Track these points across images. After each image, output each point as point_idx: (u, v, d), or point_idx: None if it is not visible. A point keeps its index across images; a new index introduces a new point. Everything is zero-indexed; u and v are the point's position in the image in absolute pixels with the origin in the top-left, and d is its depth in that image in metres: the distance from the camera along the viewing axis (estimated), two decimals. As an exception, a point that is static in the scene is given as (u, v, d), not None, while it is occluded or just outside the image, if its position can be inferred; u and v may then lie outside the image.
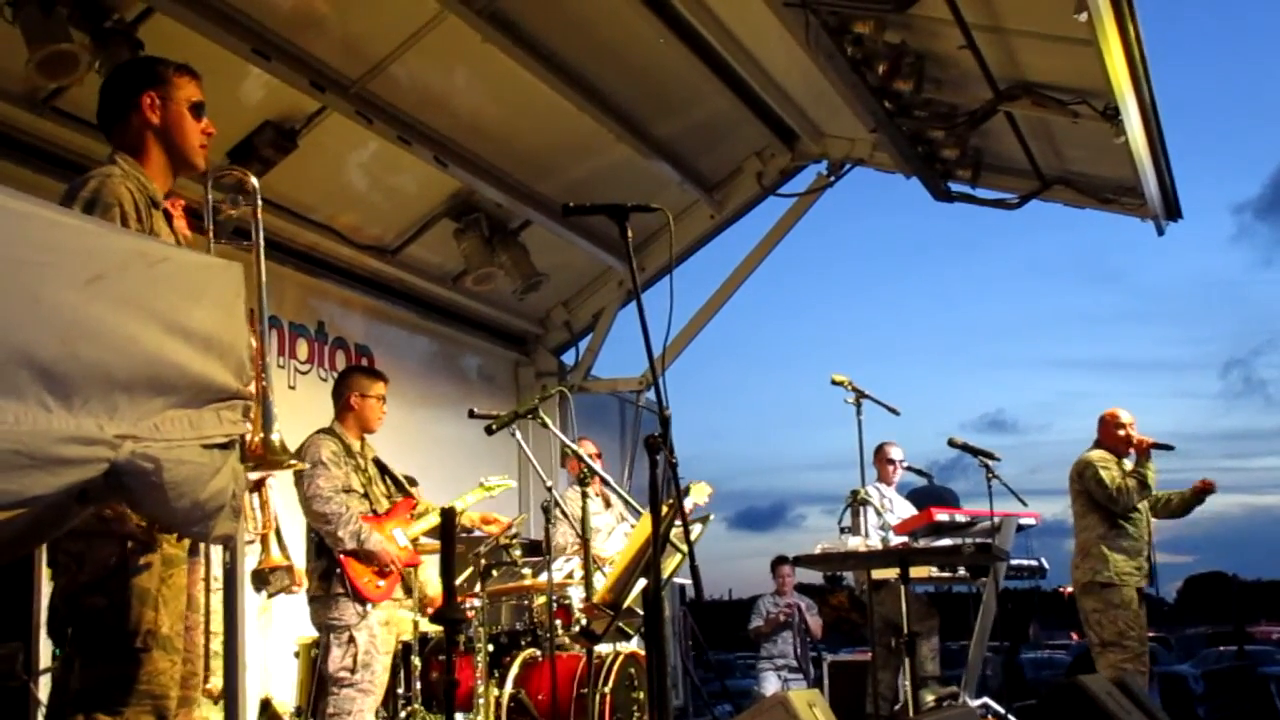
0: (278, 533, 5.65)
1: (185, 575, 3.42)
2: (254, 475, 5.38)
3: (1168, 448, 8.43)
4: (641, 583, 4.22)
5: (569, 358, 12.16)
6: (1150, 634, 8.57)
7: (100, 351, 2.40)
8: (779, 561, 12.14)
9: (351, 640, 6.07)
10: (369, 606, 6.18)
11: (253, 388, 2.95)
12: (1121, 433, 8.38)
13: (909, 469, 9.58)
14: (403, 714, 6.65)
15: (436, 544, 6.14)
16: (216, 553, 3.52)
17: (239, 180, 3.74)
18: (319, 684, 6.18)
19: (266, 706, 6.81)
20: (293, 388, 8.71)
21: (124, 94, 3.71)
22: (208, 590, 3.60)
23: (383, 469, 6.66)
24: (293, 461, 3.65)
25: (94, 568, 3.24)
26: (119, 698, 3.21)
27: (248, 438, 3.21)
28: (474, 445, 8.30)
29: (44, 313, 2.29)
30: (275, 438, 3.35)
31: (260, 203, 3.66)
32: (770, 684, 11.47)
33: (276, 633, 6.70)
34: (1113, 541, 8.14)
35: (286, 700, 6.81)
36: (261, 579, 5.80)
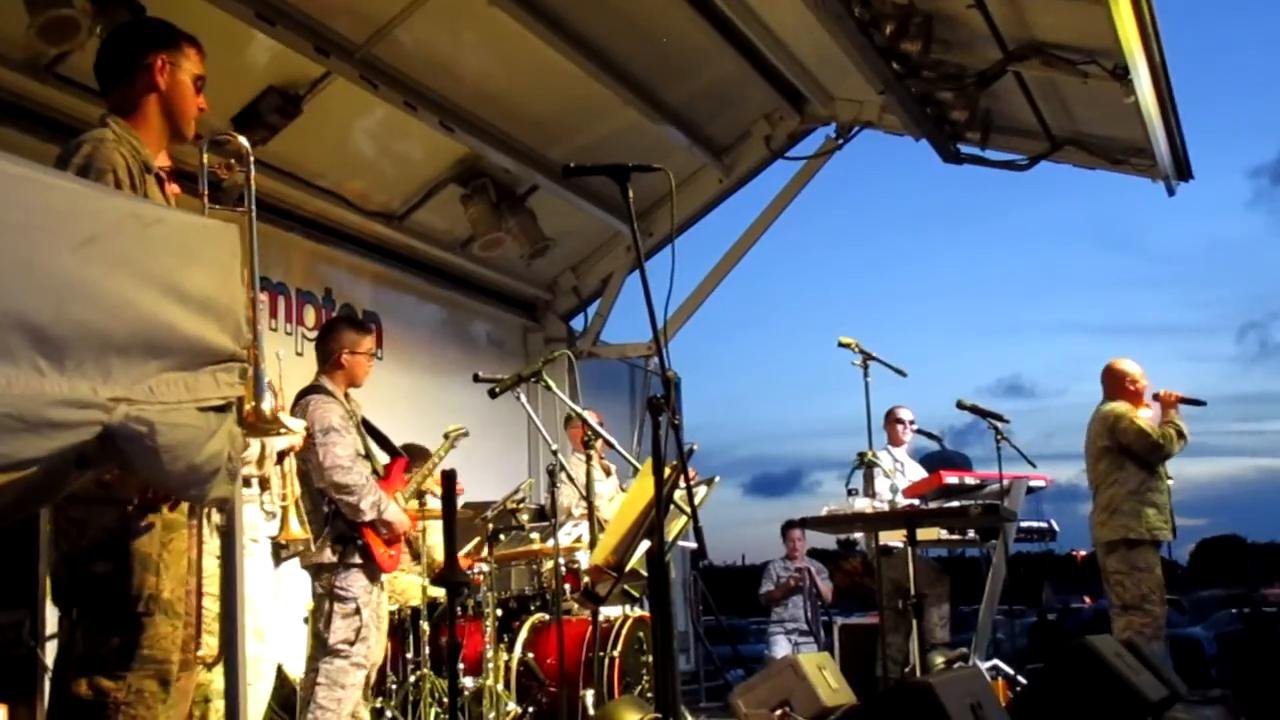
0: (297, 504, 5.63)
1: (185, 539, 3.42)
2: (279, 443, 5.43)
3: (1198, 403, 8.30)
4: (645, 544, 4.21)
5: (578, 324, 12.16)
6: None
7: (94, 314, 2.39)
8: (789, 526, 12.13)
9: (357, 613, 6.01)
10: (382, 578, 6.16)
11: (249, 312, 2.93)
12: (1133, 387, 8.25)
13: (919, 432, 9.57)
14: (411, 678, 6.67)
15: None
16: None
17: (235, 146, 3.71)
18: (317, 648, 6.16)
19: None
20: (300, 354, 8.69)
21: (133, 51, 3.67)
22: (199, 552, 3.59)
23: (368, 427, 6.54)
24: (282, 430, 3.65)
25: (96, 534, 3.24)
26: (121, 662, 3.21)
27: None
28: (483, 412, 8.28)
29: (37, 276, 2.27)
30: (266, 406, 3.34)
31: (254, 169, 3.62)
32: (781, 648, 11.47)
33: (285, 600, 6.69)
34: (1144, 496, 7.95)
35: (295, 668, 6.81)
36: (279, 549, 5.78)
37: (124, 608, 3.22)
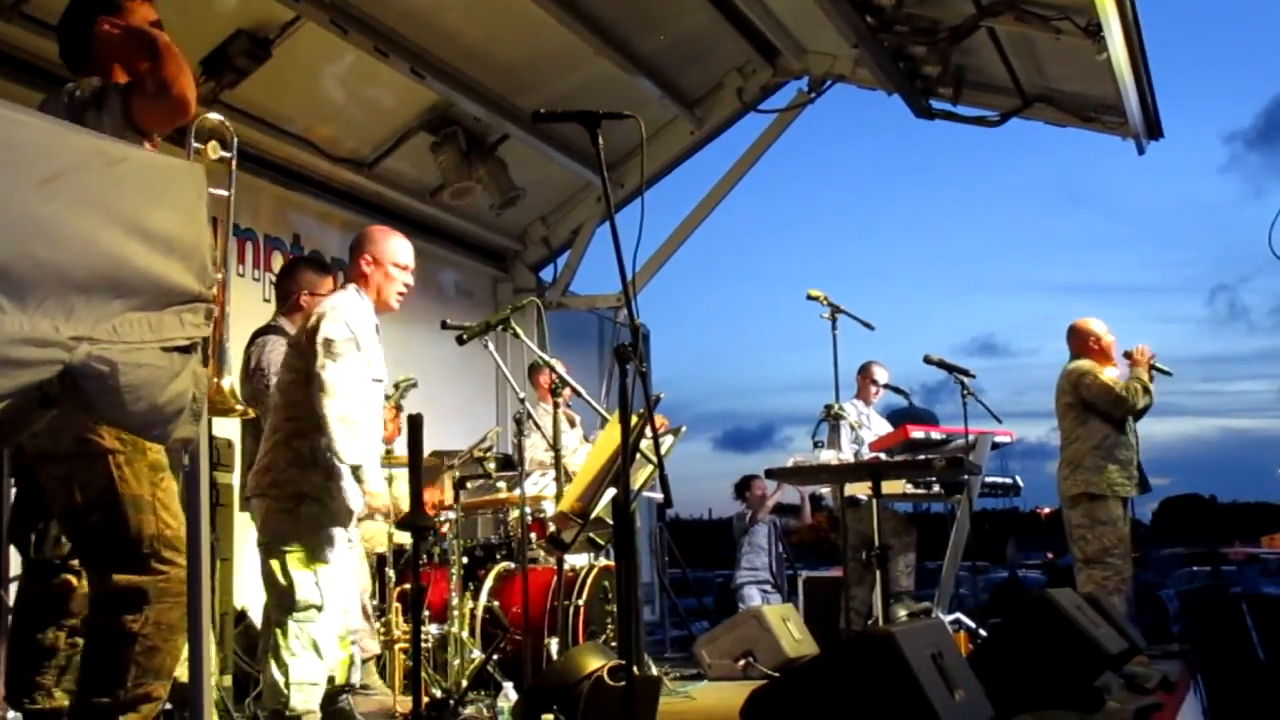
0: None
1: (175, 480, 3.45)
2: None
3: (1166, 372, 8.35)
4: (611, 492, 4.22)
5: (548, 274, 12.11)
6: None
7: (56, 252, 2.37)
8: (750, 479, 12.03)
9: None
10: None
11: (217, 291, 2.93)
12: (1097, 345, 8.27)
13: (887, 387, 9.59)
14: (378, 625, 6.68)
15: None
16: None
17: (220, 131, 3.76)
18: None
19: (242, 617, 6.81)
20: (268, 300, 8.63)
21: (78, 26, 3.68)
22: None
23: None
24: (239, 409, 3.68)
25: (85, 488, 3.30)
26: (140, 599, 3.31)
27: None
28: (451, 362, 8.28)
29: (-3, 211, 2.25)
30: (228, 384, 3.40)
31: (223, 116, 3.66)
32: (753, 599, 11.46)
33: (252, 544, 6.67)
34: (1108, 452, 8.00)
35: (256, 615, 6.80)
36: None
37: (126, 550, 3.30)
